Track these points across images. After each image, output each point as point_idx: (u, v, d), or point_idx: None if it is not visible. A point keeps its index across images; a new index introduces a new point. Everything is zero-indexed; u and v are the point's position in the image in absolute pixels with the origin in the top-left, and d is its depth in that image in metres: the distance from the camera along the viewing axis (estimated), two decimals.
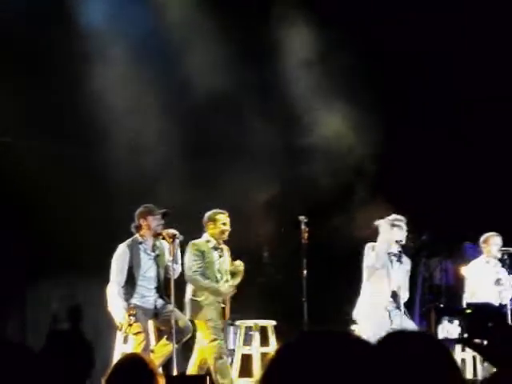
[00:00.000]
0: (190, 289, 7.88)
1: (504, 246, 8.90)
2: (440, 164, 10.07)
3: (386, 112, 9.54)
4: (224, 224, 7.97)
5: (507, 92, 9.91)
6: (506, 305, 8.70)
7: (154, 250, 7.71)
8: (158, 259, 7.70)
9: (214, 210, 8.03)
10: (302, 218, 8.11)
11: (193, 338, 7.83)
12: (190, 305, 7.83)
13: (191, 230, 8.08)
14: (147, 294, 7.59)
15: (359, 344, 1.68)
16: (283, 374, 1.62)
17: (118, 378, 3.70)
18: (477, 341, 2.48)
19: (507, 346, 2.34)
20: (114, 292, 7.43)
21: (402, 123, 10.01)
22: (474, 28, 9.69)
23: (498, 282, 8.83)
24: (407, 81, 9.91)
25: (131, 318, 7.19)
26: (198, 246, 7.93)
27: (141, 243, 7.66)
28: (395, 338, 2.58)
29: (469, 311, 2.55)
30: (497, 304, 8.62)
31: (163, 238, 7.63)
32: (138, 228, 7.68)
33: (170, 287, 7.42)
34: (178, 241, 7.57)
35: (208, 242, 7.97)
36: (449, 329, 2.10)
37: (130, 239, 7.68)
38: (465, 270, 9.09)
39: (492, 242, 8.97)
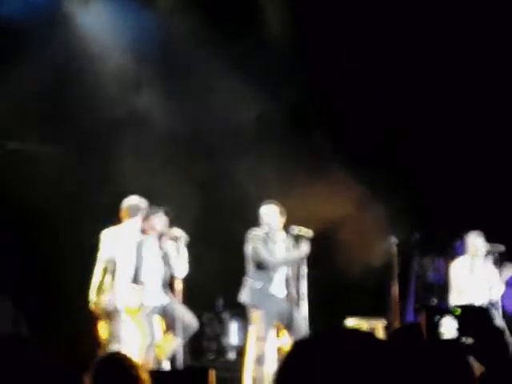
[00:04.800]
0: None
1: (494, 242, 9.00)
2: (432, 162, 10.17)
3: None
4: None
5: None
6: (497, 301, 8.79)
7: (159, 249, 7.89)
8: (163, 257, 7.87)
9: None
10: None
11: None
12: None
13: None
14: (153, 292, 7.75)
15: (370, 341, 1.68)
16: (297, 371, 1.63)
17: (100, 380, 3.71)
18: (465, 340, 2.54)
19: (494, 345, 2.43)
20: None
21: None
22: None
23: (483, 279, 8.88)
24: None
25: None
26: None
27: (146, 240, 7.84)
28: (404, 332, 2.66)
29: (457, 312, 2.64)
30: (486, 302, 8.71)
31: (171, 238, 7.83)
32: (142, 229, 7.86)
33: (177, 285, 7.69)
34: (183, 240, 7.76)
35: None
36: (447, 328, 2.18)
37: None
38: (450, 269, 9.18)
39: (473, 242, 9.05)
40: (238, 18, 9.79)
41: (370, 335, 1.71)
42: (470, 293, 8.88)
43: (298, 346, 1.70)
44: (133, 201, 7.91)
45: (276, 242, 8.08)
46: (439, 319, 2.70)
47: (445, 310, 2.72)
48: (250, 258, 7.97)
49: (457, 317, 2.64)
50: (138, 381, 3.67)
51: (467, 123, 10.02)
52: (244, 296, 7.93)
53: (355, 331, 1.72)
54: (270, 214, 8.04)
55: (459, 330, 2.62)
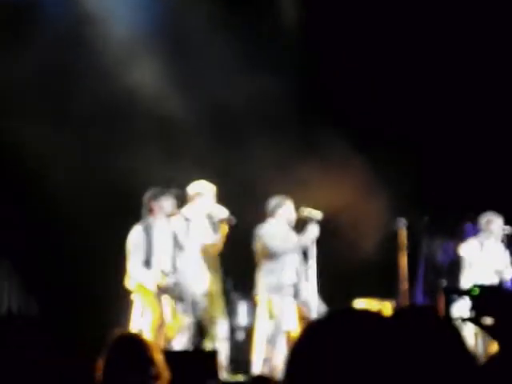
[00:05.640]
0: None
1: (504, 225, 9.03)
2: (440, 145, 10.17)
3: None
4: None
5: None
6: (507, 283, 8.81)
7: (167, 228, 7.93)
8: (172, 237, 7.92)
9: None
10: None
11: None
12: None
13: None
14: (163, 272, 7.79)
15: (380, 320, 1.69)
16: (310, 352, 1.63)
17: (115, 361, 3.70)
18: (484, 320, 2.53)
19: None
20: (135, 266, 7.70)
21: None
22: None
23: (495, 261, 8.94)
24: None
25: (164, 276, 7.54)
26: None
27: (154, 223, 7.87)
28: (402, 313, 2.66)
29: (476, 291, 2.62)
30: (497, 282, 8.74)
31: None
32: (150, 211, 7.87)
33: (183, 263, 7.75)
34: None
35: None
36: (462, 307, 2.17)
37: (144, 219, 7.91)
38: (462, 249, 9.19)
39: (490, 223, 9.09)
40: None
41: (380, 316, 1.70)
42: (481, 274, 8.89)
43: (310, 328, 1.69)
44: (197, 185, 8.12)
45: (287, 233, 8.13)
46: (457, 299, 2.68)
47: (463, 290, 2.69)
48: (261, 253, 8.04)
49: (475, 297, 2.61)
50: (152, 361, 3.65)
51: (475, 108, 10.04)
52: (259, 290, 8.01)
53: (366, 312, 1.72)
54: (288, 210, 8.15)
55: (477, 309, 2.61)
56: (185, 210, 8.04)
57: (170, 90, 9.40)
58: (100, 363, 3.65)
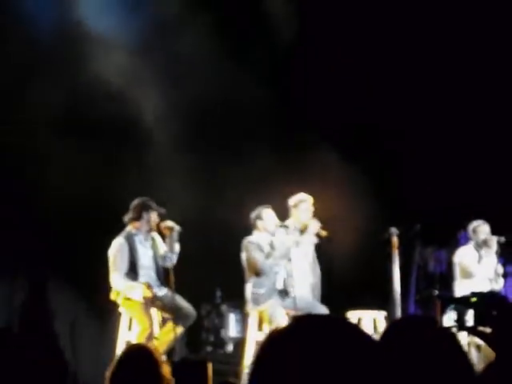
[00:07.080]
0: None
1: (494, 234, 9.02)
2: (433, 153, 10.15)
3: None
4: None
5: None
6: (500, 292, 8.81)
7: (146, 240, 7.86)
8: (153, 248, 7.86)
9: None
10: None
11: None
12: None
13: None
14: (148, 284, 7.70)
15: (357, 331, 1.63)
16: (275, 358, 1.58)
17: (123, 372, 3.69)
18: (481, 328, 2.50)
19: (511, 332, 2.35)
20: (119, 279, 7.61)
21: None
22: None
23: (489, 269, 8.96)
24: None
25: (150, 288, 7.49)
26: None
27: (135, 235, 7.79)
28: (401, 324, 2.59)
29: (474, 299, 2.58)
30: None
31: (159, 232, 7.81)
32: (136, 219, 7.76)
33: (170, 276, 7.60)
34: (175, 233, 7.71)
35: None
36: (455, 317, 2.12)
37: (125, 232, 7.81)
38: (462, 258, 9.17)
39: (480, 231, 9.05)
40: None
41: (345, 322, 1.64)
42: (477, 282, 8.86)
43: (271, 336, 1.64)
44: (296, 197, 8.23)
45: (271, 245, 8.12)
46: (453, 308, 2.62)
47: (460, 298, 2.63)
48: (248, 265, 8.00)
49: (473, 305, 2.56)
50: (161, 374, 3.66)
51: (467, 115, 10.03)
52: (251, 305, 7.95)
53: (330, 318, 1.68)
54: (268, 219, 8.09)
55: (475, 318, 2.56)
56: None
57: (143, 96, 9.29)
58: (109, 374, 3.66)
